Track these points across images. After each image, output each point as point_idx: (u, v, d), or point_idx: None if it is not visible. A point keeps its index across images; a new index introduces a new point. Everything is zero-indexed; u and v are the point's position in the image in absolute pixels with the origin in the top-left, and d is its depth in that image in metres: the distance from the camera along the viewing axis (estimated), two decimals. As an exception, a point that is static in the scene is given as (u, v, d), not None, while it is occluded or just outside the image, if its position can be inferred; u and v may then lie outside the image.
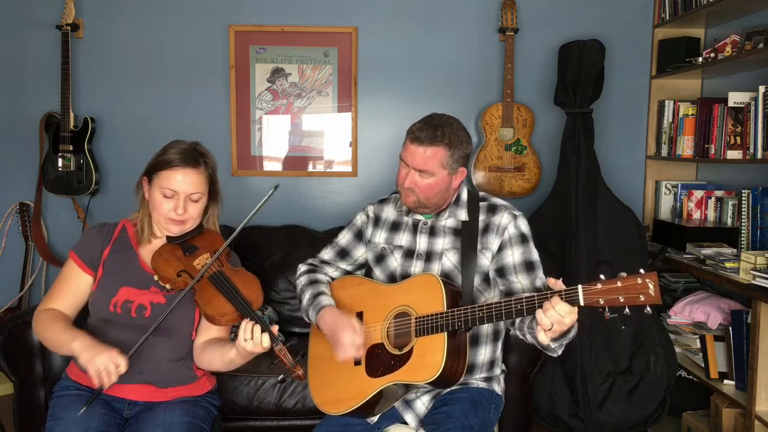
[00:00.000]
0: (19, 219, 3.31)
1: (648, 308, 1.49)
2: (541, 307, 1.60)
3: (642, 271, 1.49)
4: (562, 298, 1.56)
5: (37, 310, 1.95)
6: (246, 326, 1.73)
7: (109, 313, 1.90)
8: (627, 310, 1.50)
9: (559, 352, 1.79)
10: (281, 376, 1.78)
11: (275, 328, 1.74)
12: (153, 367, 1.91)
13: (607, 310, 1.52)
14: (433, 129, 1.89)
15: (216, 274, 1.87)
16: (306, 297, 2.05)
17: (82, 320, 2.02)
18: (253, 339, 1.71)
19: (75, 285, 1.96)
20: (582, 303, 1.54)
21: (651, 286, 1.47)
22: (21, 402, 2.28)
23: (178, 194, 1.91)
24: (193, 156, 1.94)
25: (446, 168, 1.91)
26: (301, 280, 2.12)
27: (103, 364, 1.70)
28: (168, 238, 1.97)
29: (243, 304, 1.80)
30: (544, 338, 1.61)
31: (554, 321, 1.57)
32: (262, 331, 1.72)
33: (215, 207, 2.05)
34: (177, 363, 1.94)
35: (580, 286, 1.55)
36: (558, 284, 1.59)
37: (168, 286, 1.87)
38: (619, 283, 1.50)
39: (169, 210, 1.91)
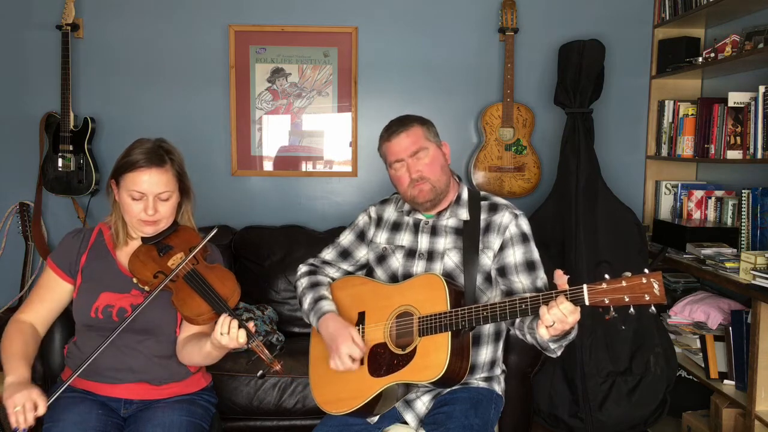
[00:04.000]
0: (19, 219, 3.31)
1: (653, 308, 1.49)
2: (546, 305, 1.60)
3: (646, 270, 1.49)
4: (567, 298, 1.56)
5: (12, 318, 1.93)
6: (223, 320, 1.72)
7: (91, 319, 1.88)
8: (632, 309, 1.50)
9: (559, 353, 1.79)
10: (260, 372, 1.78)
11: (251, 325, 1.74)
12: (144, 366, 1.90)
13: (612, 309, 1.52)
14: (398, 121, 2.01)
15: (190, 273, 1.85)
16: (307, 301, 2.05)
17: (71, 330, 2.03)
18: (229, 334, 1.71)
19: (52, 292, 1.94)
20: (587, 302, 1.54)
21: (656, 286, 1.47)
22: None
23: (146, 195, 1.86)
24: (158, 155, 1.88)
25: (432, 141, 1.98)
26: (302, 282, 2.11)
27: (20, 403, 1.68)
28: (143, 239, 1.94)
29: (218, 302, 1.79)
30: (544, 332, 1.61)
31: (557, 319, 1.57)
32: (239, 327, 1.71)
33: (188, 203, 2.01)
34: (167, 360, 1.93)
35: (585, 286, 1.55)
36: (563, 278, 1.59)
37: (147, 288, 1.86)
38: (624, 283, 1.50)
39: (139, 211, 1.87)
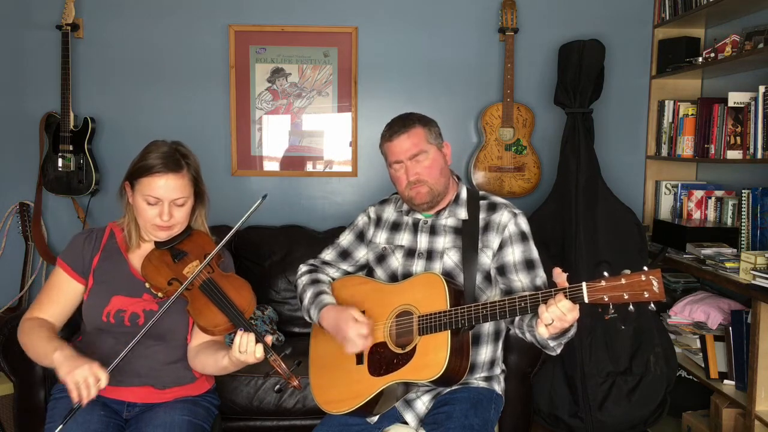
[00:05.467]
0: (19, 219, 3.31)
1: (652, 305, 1.49)
2: (545, 303, 1.60)
3: (645, 268, 1.49)
4: (566, 296, 1.56)
5: (23, 318, 1.89)
6: (241, 339, 1.70)
7: (103, 323, 1.86)
8: (631, 307, 1.50)
9: (558, 351, 1.78)
10: (277, 386, 1.76)
11: (269, 339, 1.72)
12: (150, 370, 1.89)
13: (611, 307, 1.51)
14: (400, 120, 1.99)
15: (206, 282, 1.83)
16: (307, 296, 2.05)
17: (74, 328, 2.00)
18: (247, 351, 1.69)
19: (64, 292, 1.91)
20: (586, 300, 1.54)
21: (655, 283, 1.47)
22: (21, 402, 2.27)
23: (161, 201, 1.84)
24: (175, 159, 1.85)
25: (433, 143, 1.97)
26: (303, 280, 2.12)
27: (82, 377, 1.62)
28: (156, 243, 1.92)
29: (235, 314, 1.77)
30: (543, 332, 1.61)
31: (555, 317, 1.57)
32: (256, 342, 1.69)
33: (202, 207, 1.98)
34: (175, 365, 1.92)
35: (584, 284, 1.54)
36: (562, 276, 1.59)
37: (160, 294, 1.85)
38: (623, 281, 1.50)
39: (154, 216, 1.85)
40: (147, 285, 1.87)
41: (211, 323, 1.79)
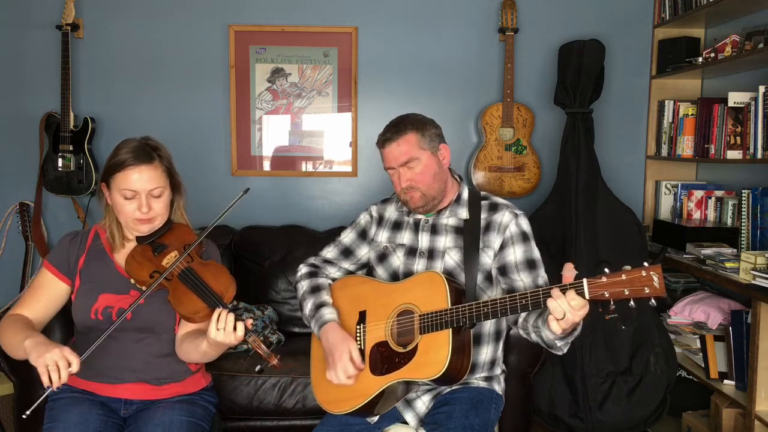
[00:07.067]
0: (19, 219, 3.31)
1: (653, 301, 1.49)
2: (545, 302, 1.59)
3: (646, 264, 1.49)
4: (564, 293, 1.55)
5: (6, 315, 1.91)
6: (218, 316, 1.71)
7: (91, 321, 1.88)
8: (632, 303, 1.49)
9: (565, 350, 1.78)
10: (258, 367, 1.78)
11: (249, 322, 1.73)
12: (144, 365, 1.90)
13: (611, 303, 1.51)
14: (394, 126, 1.98)
15: (185, 271, 1.85)
16: (308, 307, 2.05)
17: (70, 331, 2.00)
18: (225, 329, 1.70)
19: (48, 292, 1.92)
20: (587, 296, 1.54)
21: (655, 279, 1.47)
22: (21, 402, 2.27)
23: (138, 193, 1.86)
24: (145, 151, 1.88)
25: (426, 149, 1.95)
26: (303, 285, 2.11)
27: (51, 360, 1.61)
28: (137, 239, 1.94)
29: (214, 299, 1.79)
30: (556, 328, 1.59)
31: (567, 309, 1.55)
32: (236, 320, 1.70)
33: (180, 198, 2.00)
34: (167, 358, 1.93)
35: (585, 280, 1.55)
36: (573, 272, 1.58)
37: (144, 287, 1.86)
38: (623, 276, 1.50)
39: (133, 210, 1.87)
40: (132, 281, 1.89)
41: (191, 310, 1.80)
